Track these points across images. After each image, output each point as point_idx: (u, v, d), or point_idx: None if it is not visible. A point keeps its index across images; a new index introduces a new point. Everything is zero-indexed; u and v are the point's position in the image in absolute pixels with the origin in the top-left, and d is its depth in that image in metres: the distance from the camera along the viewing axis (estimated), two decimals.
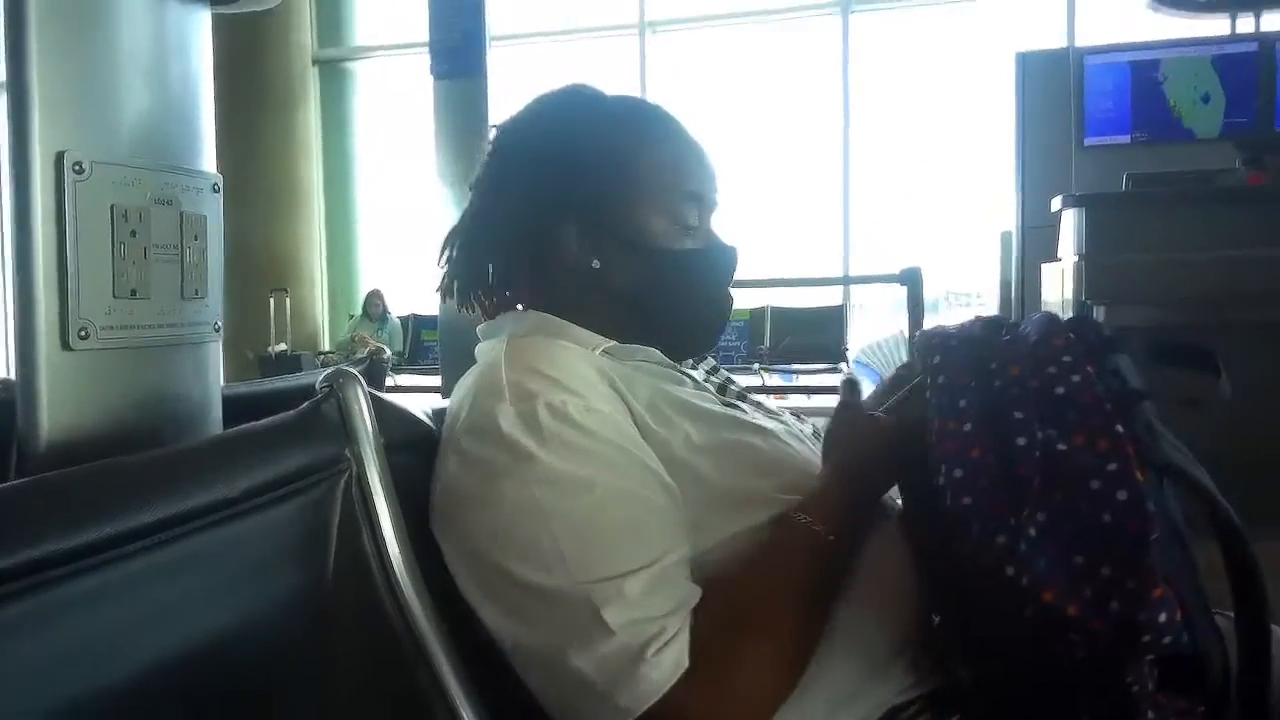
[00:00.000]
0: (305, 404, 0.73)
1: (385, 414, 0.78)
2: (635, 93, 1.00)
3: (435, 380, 5.16)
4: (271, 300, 6.91)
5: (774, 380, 6.03)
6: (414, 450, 0.81)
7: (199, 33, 0.92)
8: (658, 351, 0.91)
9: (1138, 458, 0.64)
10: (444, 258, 0.98)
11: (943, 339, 0.78)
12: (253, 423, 0.70)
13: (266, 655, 0.63)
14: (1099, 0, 6.43)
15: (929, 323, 3.67)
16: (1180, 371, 0.76)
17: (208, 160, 0.90)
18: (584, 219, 0.91)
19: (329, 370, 0.76)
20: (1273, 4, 5.14)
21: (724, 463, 0.82)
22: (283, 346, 6.88)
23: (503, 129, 0.97)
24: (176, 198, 0.82)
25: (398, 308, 7.41)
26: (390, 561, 0.71)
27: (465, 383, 0.85)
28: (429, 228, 4.62)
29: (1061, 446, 0.66)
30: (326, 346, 7.63)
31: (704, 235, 0.95)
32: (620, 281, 0.91)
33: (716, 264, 0.95)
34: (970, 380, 0.73)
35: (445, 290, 0.98)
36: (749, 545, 0.78)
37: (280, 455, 0.68)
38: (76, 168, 0.73)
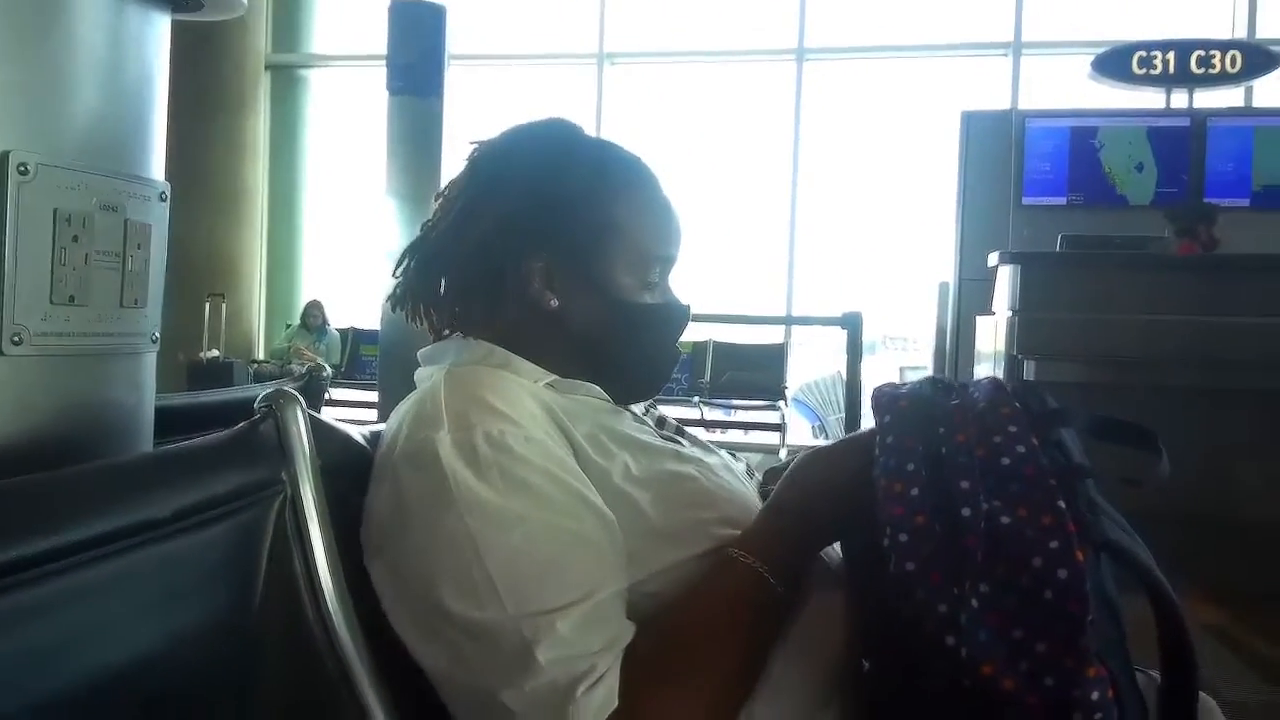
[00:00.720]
0: (243, 424, 0.72)
1: (323, 436, 0.77)
2: (591, 122, 1.01)
3: (372, 396, 5.09)
4: (207, 304, 6.76)
5: (713, 415, 6.06)
6: (350, 475, 0.80)
7: (158, 38, 0.91)
8: (599, 389, 0.91)
9: (1079, 535, 0.66)
10: (401, 267, 0.97)
11: (892, 399, 0.79)
12: (187, 440, 0.68)
13: (191, 679, 0.61)
14: (1043, 66, 6.67)
15: (866, 364, 3.75)
16: (1121, 448, 0.78)
17: (157, 168, 0.89)
18: (554, 257, 0.91)
19: (268, 389, 0.74)
20: (1205, 82, 5.39)
21: (662, 494, 0.82)
22: (215, 353, 6.73)
23: (483, 149, 0.97)
24: (122, 204, 0.81)
25: (337, 319, 7.30)
26: (321, 588, 0.70)
27: (402, 408, 0.84)
28: (374, 241, 4.59)
29: (1006, 520, 0.67)
30: (261, 355, 7.48)
31: (662, 291, 0.96)
32: (577, 324, 0.92)
33: (672, 320, 0.97)
34: (918, 444, 0.74)
35: (397, 301, 0.97)
36: (686, 579, 0.79)
37: (214, 476, 0.66)
38: (21, 169, 0.72)
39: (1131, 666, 0.70)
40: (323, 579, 0.70)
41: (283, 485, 0.71)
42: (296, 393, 0.74)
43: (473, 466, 0.73)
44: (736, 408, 6.27)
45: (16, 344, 0.71)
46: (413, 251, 0.97)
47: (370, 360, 6.83)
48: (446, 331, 0.97)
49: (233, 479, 0.67)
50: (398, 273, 0.97)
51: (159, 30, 0.91)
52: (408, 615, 0.74)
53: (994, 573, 0.65)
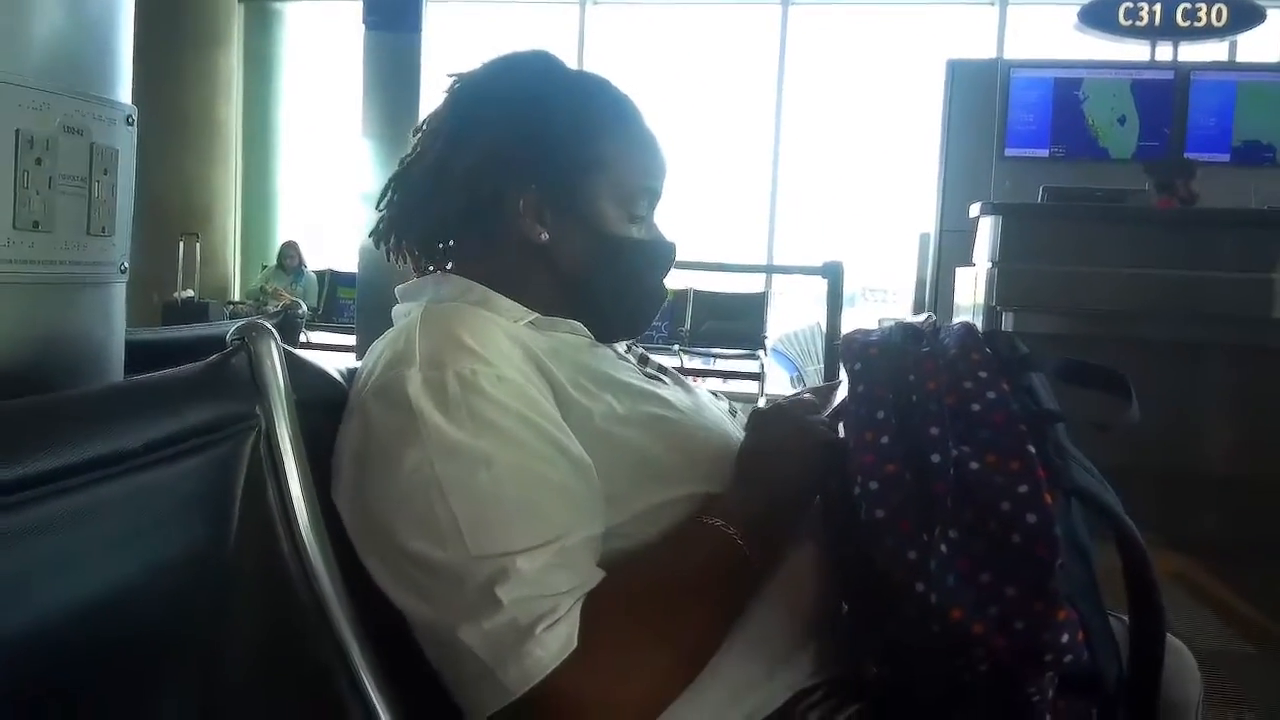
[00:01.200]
0: (215, 356, 0.70)
1: (298, 371, 0.75)
2: (573, 64, 0.98)
3: (350, 340, 5.06)
4: (181, 244, 6.66)
5: (693, 363, 6.06)
6: (327, 410, 0.78)
7: None
8: (581, 325, 0.90)
9: (1048, 480, 0.66)
10: (384, 201, 0.95)
11: (863, 346, 0.79)
12: (157, 372, 0.66)
13: (165, 613, 0.60)
14: (1030, 16, 6.60)
15: (846, 316, 3.75)
16: (1091, 393, 0.78)
17: (123, 90, 0.85)
18: (543, 189, 0.89)
19: (241, 322, 0.72)
20: (1190, 35, 5.36)
21: (644, 434, 0.81)
22: (190, 293, 6.64)
23: (464, 81, 0.94)
24: (87, 127, 0.78)
25: (314, 261, 7.21)
26: (297, 523, 0.69)
27: (379, 345, 0.83)
28: (351, 181, 4.51)
29: (974, 465, 0.67)
30: (236, 296, 7.39)
31: (649, 226, 0.95)
32: (566, 258, 0.90)
33: (659, 256, 0.96)
34: (889, 392, 0.74)
35: (380, 236, 0.95)
36: (663, 523, 0.78)
37: (186, 408, 0.64)
38: None
39: (1104, 610, 0.71)
40: (298, 512, 0.69)
41: (257, 419, 0.69)
42: (270, 326, 0.72)
43: (441, 405, 0.72)
44: (716, 356, 6.26)
45: None
46: (395, 185, 0.94)
47: (348, 303, 6.77)
48: (430, 268, 0.95)
49: (205, 412, 0.66)
50: (381, 206, 0.95)
51: None
52: (373, 551, 0.72)
53: (962, 518, 0.65)
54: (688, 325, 6.43)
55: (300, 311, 1.28)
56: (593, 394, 0.81)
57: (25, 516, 0.51)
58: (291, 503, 0.69)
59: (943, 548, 0.65)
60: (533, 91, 0.91)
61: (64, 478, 0.53)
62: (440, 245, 0.95)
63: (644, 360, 0.99)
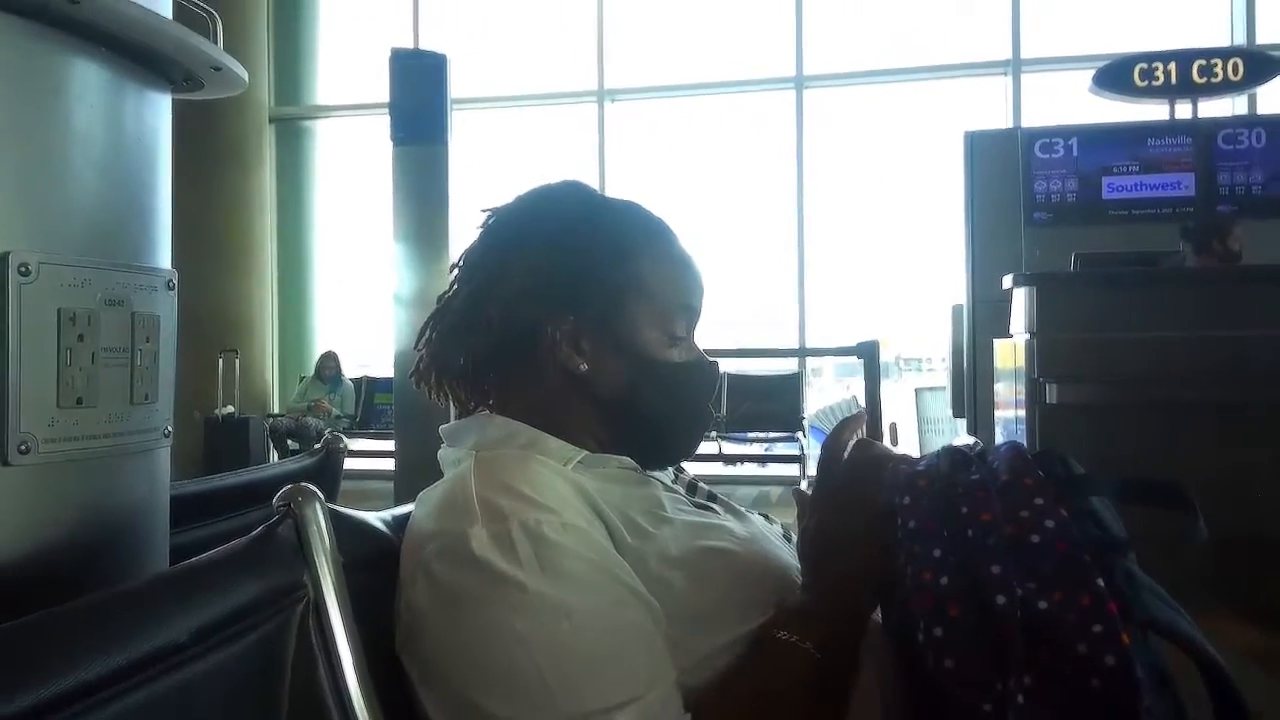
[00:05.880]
0: (260, 528, 0.68)
1: (345, 531, 0.74)
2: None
3: (389, 445, 5.06)
4: (220, 361, 6.77)
5: (731, 448, 6.01)
6: (374, 569, 0.76)
7: (160, 121, 0.88)
8: (629, 459, 0.88)
9: (1121, 614, 0.62)
10: (422, 340, 0.94)
11: (909, 478, 0.75)
12: (202, 556, 0.64)
13: None
14: (1044, 83, 6.65)
15: (883, 389, 3.71)
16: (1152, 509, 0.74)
17: (163, 255, 0.86)
18: (580, 318, 0.88)
19: (285, 487, 0.71)
20: (1207, 92, 5.37)
21: (701, 574, 0.79)
22: (230, 409, 6.72)
23: (498, 216, 0.95)
24: (128, 297, 0.78)
25: (350, 369, 7.29)
26: (350, 701, 0.66)
27: (432, 496, 0.81)
28: (384, 288, 4.58)
29: (1042, 604, 0.63)
30: (276, 409, 7.47)
31: (690, 348, 0.94)
32: (608, 387, 0.89)
33: (704, 378, 0.95)
34: (942, 527, 0.70)
35: (420, 375, 0.94)
36: (725, 666, 0.75)
37: (234, 587, 0.62)
38: (22, 269, 0.69)
39: None
40: (350, 689, 0.66)
41: (304, 589, 0.68)
42: (315, 490, 0.70)
43: (511, 559, 0.70)
44: (754, 441, 6.20)
45: (24, 453, 0.68)
46: (433, 323, 0.94)
47: (385, 408, 6.81)
48: (472, 405, 0.94)
49: (252, 589, 0.64)
50: (419, 345, 0.94)
51: (160, 111, 0.89)
52: (447, 716, 0.70)
53: (1037, 662, 0.62)
54: (724, 410, 6.39)
55: (341, 446, 1.27)
56: (647, 534, 0.79)
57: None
58: (343, 675, 0.67)
59: (1020, 698, 0.61)
60: (565, 220, 0.92)
61: (116, 682, 0.52)
62: (481, 382, 0.94)
63: (693, 489, 0.96)
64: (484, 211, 0.96)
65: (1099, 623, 0.62)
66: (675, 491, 0.92)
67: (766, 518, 1.01)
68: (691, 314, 0.94)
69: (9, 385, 0.67)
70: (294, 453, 6.18)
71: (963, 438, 0.88)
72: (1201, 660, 0.66)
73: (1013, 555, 0.67)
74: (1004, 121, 6.38)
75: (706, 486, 0.99)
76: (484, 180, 6.31)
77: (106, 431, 0.75)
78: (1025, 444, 0.76)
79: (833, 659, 0.74)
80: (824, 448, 0.85)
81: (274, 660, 0.64)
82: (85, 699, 0.50)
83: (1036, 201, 5.24)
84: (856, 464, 0.83)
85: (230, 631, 0.61)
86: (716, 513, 0.91)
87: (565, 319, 0.88)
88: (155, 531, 0.81)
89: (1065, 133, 5.32)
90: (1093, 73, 5.51)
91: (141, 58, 0.82)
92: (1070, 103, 6.11)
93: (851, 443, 0.84)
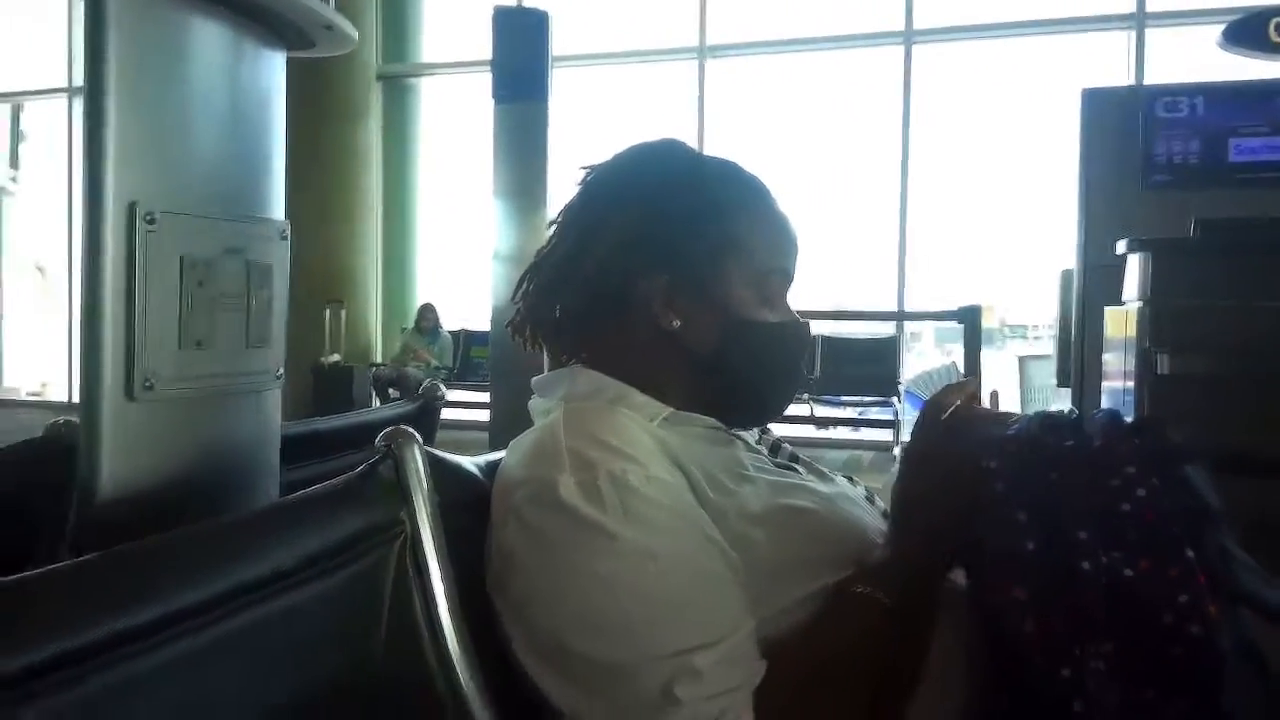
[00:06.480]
0: (363, 466, 0.72)
1: (441, 473, 0.77)
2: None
3: (484, 396, 5.19)
4: (327, 311, 7.01)
5: (823, 411, 5.95)
6: (469, 510, 0.80)
7: (275, 78, 0.92)
8: (714, 420, 0.89)
9: (1210, 586, 0.61)
10: (519, 293, 0.97)
11: (1000, 443, 0.74)
12: (309, 489, 0.69)
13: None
14: (1169, 38, 6.30)
15: (985, 355, 3.62)
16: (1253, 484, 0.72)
17: (277, 206, 0.91)
18: (673, 276, 0.89)
19: (387, 429, 0.75)
20: None
21: (781, 531, 0.80)
22: (336, 358, 6.98)
23: (596, 174, 0.96)
24: (245, 246, 0.83)
25: (449, 322, 7.47)
26: (441, 629, 0.70)
27: (523, 444, 0.84)
28: (484, 244, 4.67)
29: (1128, 572, 0.63)
30: (379, 359, 7.72)
31: (783, 309, 0.94)
32: (700, 345, 0.90)
33: (795, 339, 0.95)
34: (1029, 492, 0.70)
35: (516, 328, 0.97)
36: (801, 620, 0.76)
37: (337, 520, 0.67)
38: (148, 218, 0.74)
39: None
40: (444, 624, 0.70)
41: (402, 526, 0.71)
42: (414, 432, 0.74)
43: (597, 506, 0.73)
44: (847, 404, 6.12)
45: (149, 389, 0.74)
46: (530, 277, 0.96)
47: (481, 362, 6.97)
48: (566, 357, 0.96)
49: (355, 523, 0.68)
50: (516, 298, 0.97)
51: (275, 69, 0.92)
52: (536, 653, 0.73)
53: (1118, 630, 0.62)
54: (817, 372, 6.32)
55: (439, 394, 1.32)
56: (728, 490, 0.81)
57: (186, 645, 0.53)
58: (437, 609, 0.71)
59: (1100, 665, 0.61)
60: (661, 178, 0.92)
61: (224, 603, 0.56)
62: (574, 336, 0.96)
63: (775, 449, 0.97)
64: (583, 169, 0.98)
65: (1186, 593, 0.61)
66: (758, 452, 0.93)
67: (851, 480, 1.01)
68: (786, 275, 0.94)
69: (135, 326, 0.72)
70: (396, 400, 6.38)
71: (1058, 405, 0.87)
72: None
73: (1101, 522, 0.66)
74: (1124, 79, 6.07)
75: (790, 448, 1.00)
76: (584, 138, 6.34)
77: (223, 372, 0.80)
78: (1129, 415, 0.74)
79: (907, 612, 0.74)
80: (925, 407, 0.85)
81: (373, 591, 0.68)
82: (199, 616, 0.54)
83: (1156, 163, 4.98)
84: (951, 426, 0.82)
85: (333, 562, 0.65)
86: (799, 473, 0.92)
87: (660, 276, 0.89)
88: (267, 466, 0.86)
89: (1190, 90, 5.02)
90: (1223, 27, 5.19)
91: (259, 17, 0.86)
92: (1197, 59, 5.78)
93: (952, 407, 0.84)
